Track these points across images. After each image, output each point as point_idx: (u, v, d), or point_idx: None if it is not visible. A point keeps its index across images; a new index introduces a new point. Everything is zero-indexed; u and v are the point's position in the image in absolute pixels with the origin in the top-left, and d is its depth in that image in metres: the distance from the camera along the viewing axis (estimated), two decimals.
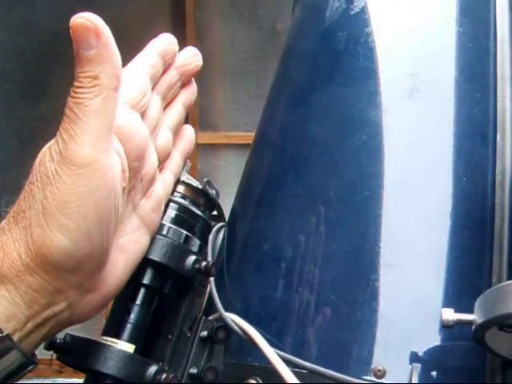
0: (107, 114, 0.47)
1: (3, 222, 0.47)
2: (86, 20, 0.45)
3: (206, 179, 0.59)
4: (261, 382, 0.51)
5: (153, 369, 0.51)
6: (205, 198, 0.59)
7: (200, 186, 0.59)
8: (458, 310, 0.48)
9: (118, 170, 0.49)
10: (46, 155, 0.46)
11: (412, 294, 0.53)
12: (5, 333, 0.44)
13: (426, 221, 0.56)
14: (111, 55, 0.47)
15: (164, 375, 0.51)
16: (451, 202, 0.56)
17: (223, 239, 0.64)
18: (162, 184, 0.55)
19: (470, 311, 0.47)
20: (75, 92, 0.46)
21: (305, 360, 0.49)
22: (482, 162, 0.58)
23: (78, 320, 0.50)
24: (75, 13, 0.46)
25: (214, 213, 0.62)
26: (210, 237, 0.61)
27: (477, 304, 0.46)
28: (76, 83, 0.46)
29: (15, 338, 0.45)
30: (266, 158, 0.67)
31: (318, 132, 0.62)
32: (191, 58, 0.56)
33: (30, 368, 0.48)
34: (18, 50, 2.99)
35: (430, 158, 0.59)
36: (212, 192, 0.59)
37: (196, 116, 2.90)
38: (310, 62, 0.69)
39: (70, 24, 0.45)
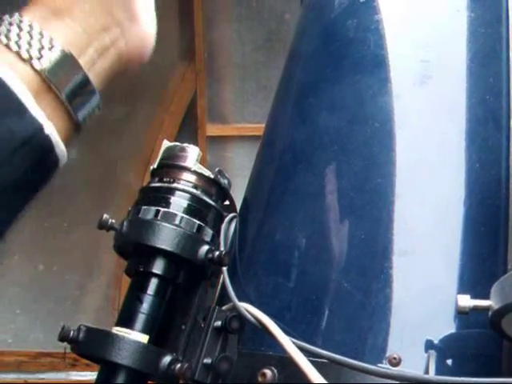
0: None
1: None
2: None
3: (217, 168, 0.59)
4: (275, 371, 0.51)
5: (167, 359, 0.51)
6: (217, 188, 0.59)
7: (212, 176, 0.58)
8: (473, 297, 0.47)
9: None
10: None
11: (426, 282, 0.53)
12: (67, 50, 0.46)
13: (439, 208, 0.56)
14: None
15: (178, 365, 0.50)
16: (465, 188, 0.56)
17: (235, 230, 0.63)
18: None
19: (486, 299, 0.46)
20: None
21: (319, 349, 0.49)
22: (495, 148, 0.57)
23: (131, 56, 0.52)
24: None
25: (226, 202, 0.62)
26: (223, 227, 0.60)
27: (493, 290, 0.45)
28: None
29: (80, 62, 0.47)
30: (277, 149, 0.67)
31: (329, 120, 0.62)
32: None
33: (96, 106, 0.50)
34: None
35: (442, 145, 0.58)
36: (224, 181, 0.59)
37: (205, 108, 2.89)
38: (320, 52, 0.69)
39: None
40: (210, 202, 0.57)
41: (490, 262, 0.53)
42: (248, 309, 0.53)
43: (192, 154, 0.59)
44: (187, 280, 0.56)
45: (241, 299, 0.54)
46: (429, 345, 0.50)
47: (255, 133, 2.81)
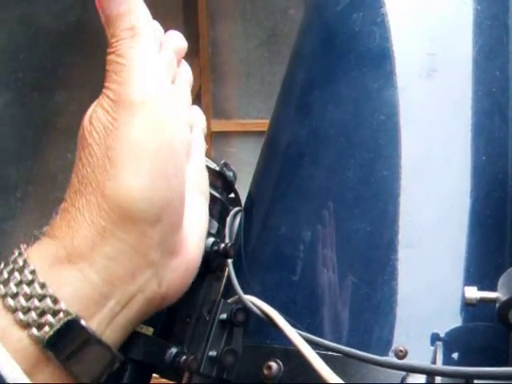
0: (152, 55, 0.46)
1: (62, 205, 0.42)
2: None
3: (223, 161, 0.59)
4: (281, 363, 0.51)
5: (172, 351, 0.51)
6: (222, 180, 0.59)
7: (217, 168, 0.58)
8: (480, 290, 0.47)
9: (179, 111, 0.48)
10: (97, 112, 0.43)
11: (433, 274, 0.53)
12: (73, 315, 0.39)
13: (445, 200, 0.55)
14: (137, 2, 0.47)
15: (183, 357, 0.50)
16: (471, 180, 0.56)
17: (240, 224, 0.63)
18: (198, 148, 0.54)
19: (493, 291, 0.46)
20: (115, 46, 0.44)
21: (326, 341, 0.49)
22: (501, 141, 0.57)
23: (166, 294, 0.45)
24: (87, 1, 0.46)
25: (231, 195, 0.62)
26: (228, 220, 0.60)
27: (500, 281, 0.45)
28: (115, 39, 0.45)
29: (93, 324, 0.40)
30: (281, 143, 0.66)
31: (335, 113, 0.62)
32: (180, 39, 0.54)
33: (115, 366, 0.42)
34: (30, 39, 3.00)
35: (448, 137, 0.58)
36: (229, 174, 0.59)
37: (209, 104, 2.90)
38: (326, 45, 0.69)
39: None
40: (216, 195, 0.57)
41: (497, 255, 0.53)
42: (253, 301, 0.53)
43: None
44: None
45: (246, 292, 0.54)
46: (435, 337, 0.50)
47: (259, 128, 2.82)
